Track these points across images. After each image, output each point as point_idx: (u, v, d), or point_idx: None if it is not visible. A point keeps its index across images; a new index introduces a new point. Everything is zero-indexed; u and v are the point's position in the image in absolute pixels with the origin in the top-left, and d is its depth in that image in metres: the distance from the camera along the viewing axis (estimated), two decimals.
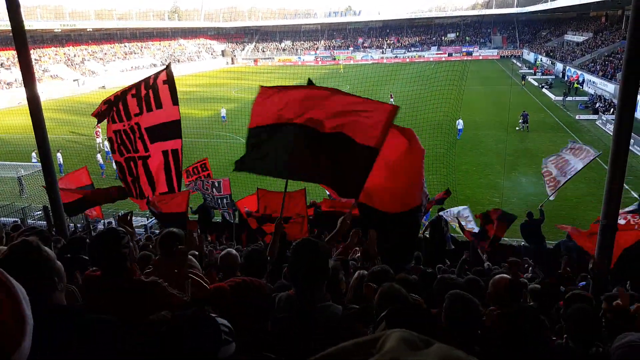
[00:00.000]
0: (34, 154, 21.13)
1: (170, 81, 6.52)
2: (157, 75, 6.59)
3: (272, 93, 4.45)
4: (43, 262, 1.89)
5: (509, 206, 16.01)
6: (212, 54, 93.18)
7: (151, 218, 14.90)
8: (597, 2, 52.07)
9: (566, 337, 2.94)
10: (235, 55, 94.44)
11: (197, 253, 4.61)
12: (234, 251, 4.01)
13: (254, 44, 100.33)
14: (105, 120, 6.96)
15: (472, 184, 19.97)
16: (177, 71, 73.59)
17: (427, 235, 11.18)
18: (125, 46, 78.04)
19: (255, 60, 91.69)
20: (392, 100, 36.80)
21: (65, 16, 72.47)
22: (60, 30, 65.36)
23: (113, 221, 13.65)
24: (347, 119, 4.20)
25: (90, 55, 69.88)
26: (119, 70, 67.34)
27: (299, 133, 4.31)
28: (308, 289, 2.36)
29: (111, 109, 6.83)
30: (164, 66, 6.84)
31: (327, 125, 4.25)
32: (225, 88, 50.50)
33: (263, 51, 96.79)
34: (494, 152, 24.36)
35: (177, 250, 2.96)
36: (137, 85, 6.70)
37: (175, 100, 6.51)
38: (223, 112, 32.37)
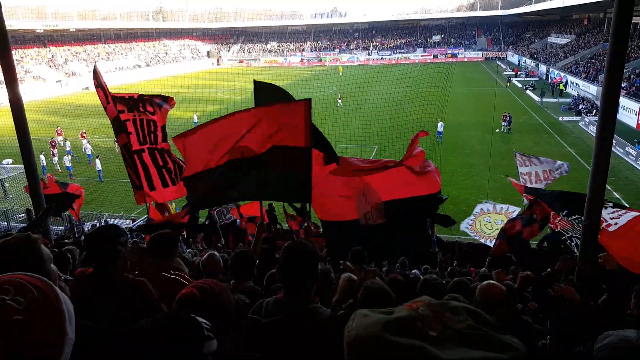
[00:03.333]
0: (6, 161, 20.35)
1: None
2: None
3: (191, 138, 5.14)
4: (38, 261, 1.86)
5: None
6: (197, 55, 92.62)
7: (137, 221, 14.74)
8: (579, 5, 52.88)
9: (549, 337, 2.98)
10: (220, 56, 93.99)
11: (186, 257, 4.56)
12: (217, 254, 3.99)
13: (239, 45, 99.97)
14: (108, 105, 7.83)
15: (457, 185, 20.13)
16: (161, 72, 73.11)
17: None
18: (109, 47, 77.12)
19: (241, 61, 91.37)
20: (339, 102, 37.56)
21: (47, 16, 71.36)
22: (42, 30, 64.35)
23: (97, 223, 13.47)
24: (273, 135, 4.84)
25: (74, 55, 68.91)
26: (102, 72, 66.21)
27: (235, 165, 4.98)
28: (298, 291, 2.36)
29: (126, 100, 7.79)
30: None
31: (257, 148, 4.91)
32: (210, 89, 50.13)
33: (249, 52, 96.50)
34: (479, 153, 24.60)
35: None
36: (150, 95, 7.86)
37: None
38: (195, 117, 31.35)
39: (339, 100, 38.15)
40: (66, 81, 59.32)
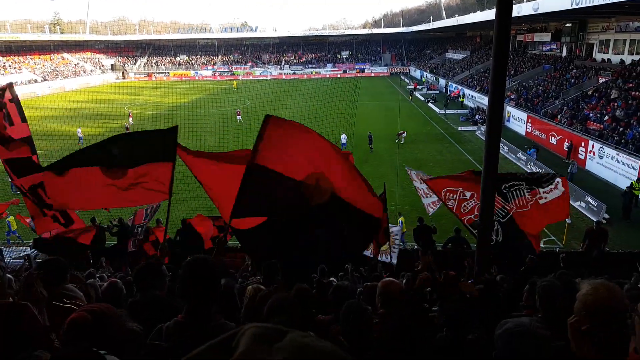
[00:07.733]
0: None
1: (15, 100, 6.55)
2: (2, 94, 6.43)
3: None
4: None
5: (403, 212, 17.08)
6: (100, 69, 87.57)
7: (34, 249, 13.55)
8: (471, 23, 57.66)
9: (445, 328, 3.25)
10: (126, 70, 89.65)
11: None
12: (119, 282, 4.06)
13: (146, 58, 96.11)
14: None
15: None
16: (60, 87, 68.17)
17: None
18: None
19: (149, 75, 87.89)
20: (239, 117, 37.23)
21: None
22: None
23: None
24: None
25: None
26: None
27: (296, 186, 4.52)
28: (200, 309, 2.26)
29: None
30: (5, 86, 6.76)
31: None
32: (116, 104, 47.61)
33: (157, 65, 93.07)
34: (388, 163, 25.75)
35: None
36: None
37: (23, 118, 6.62)
38: (79, 132, 30.00)
39: (239, 117, 37.59)
40: None
